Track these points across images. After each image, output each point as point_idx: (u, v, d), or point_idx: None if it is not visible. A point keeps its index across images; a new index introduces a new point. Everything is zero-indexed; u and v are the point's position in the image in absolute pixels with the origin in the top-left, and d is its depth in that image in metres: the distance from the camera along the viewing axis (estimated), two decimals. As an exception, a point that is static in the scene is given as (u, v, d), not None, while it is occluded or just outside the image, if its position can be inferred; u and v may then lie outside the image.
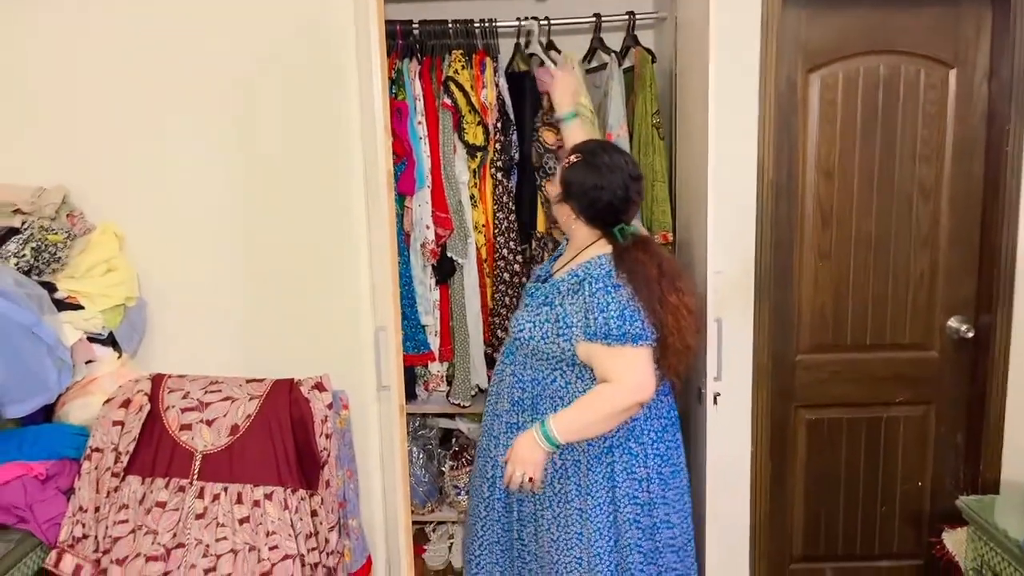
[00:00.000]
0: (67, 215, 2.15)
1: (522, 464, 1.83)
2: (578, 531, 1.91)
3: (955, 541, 2.34)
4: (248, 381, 2.07)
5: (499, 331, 2.68)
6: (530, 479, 1.82)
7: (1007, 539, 1.65)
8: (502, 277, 2.64)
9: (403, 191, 2.53)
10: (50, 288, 2.02)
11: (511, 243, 2.63)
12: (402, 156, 2.51)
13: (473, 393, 2.74)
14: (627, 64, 2.69)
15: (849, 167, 2.47)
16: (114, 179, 2.23)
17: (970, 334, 2.52)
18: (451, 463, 2.84)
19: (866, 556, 2.71)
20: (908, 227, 2.50)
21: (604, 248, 1.93)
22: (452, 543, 2.95)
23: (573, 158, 1.96)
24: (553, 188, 2.03)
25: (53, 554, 1.79)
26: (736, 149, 2.38)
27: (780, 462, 2.64)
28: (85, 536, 1.83)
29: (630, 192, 1.93)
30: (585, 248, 1.97)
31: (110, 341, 2.13)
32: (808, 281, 2.54)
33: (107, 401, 1.98)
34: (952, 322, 2.55)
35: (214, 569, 1.80)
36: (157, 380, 2.05)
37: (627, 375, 1.81)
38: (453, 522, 2.94)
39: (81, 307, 2.04)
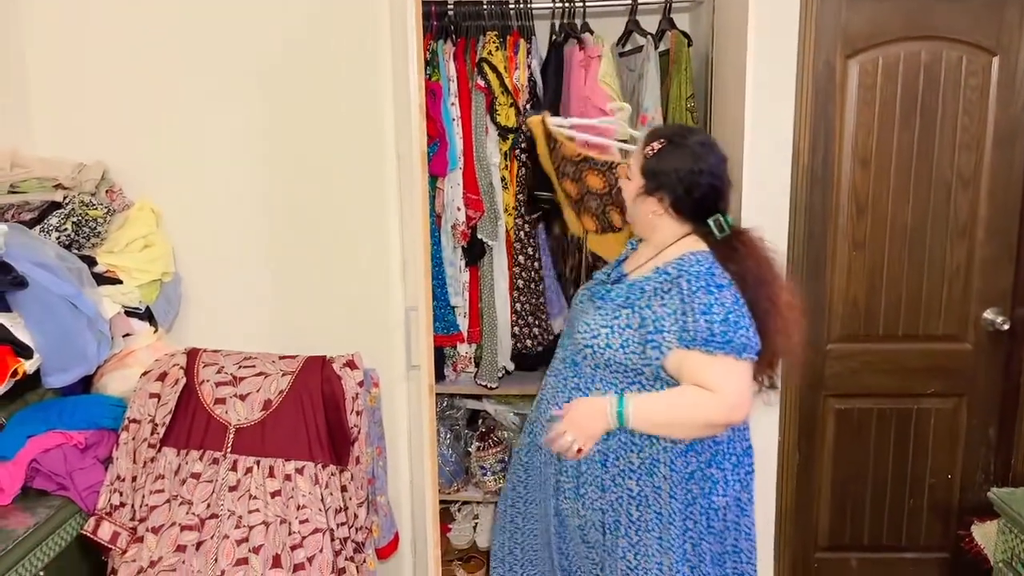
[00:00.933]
0: (106, 191, 2.18)
1: (578, 429, 1.62)
2: (657, 561, 1.70)
3: (984, 534, 2.32)
4: (281, 357, 2.10)
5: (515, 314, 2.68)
6: (578, 449, 1.63)
7: (1040, 533, 1.64)
8: (517, 260, 2.64)
9: (435, 172, 2.54)
10: (90, 262, 2.05)
11: (527, 225, 2.63)
12: (435, 137, 2.52)
13: (500, 375, 2.75)
14: (662, 47, 2.67)
15: (886, 155, 2.44)
16: (151, 157, 2.26)
17: (1006, 326, 2.49)
18: (477, 444, 2.86)
19: (892, 548, 2.70)
20: (945, 217, 2.47)
21: (695, 244, 1.71)
22: (477, 523, 2.98)
23: (656, 144, 1.71)
24: (631, 182, 1.77)
25: (92, 521, 1.83)
26: (771, 135, 2.36)
27: (808, 451, 2.63)
28: (122, 504, 1.87)
29: (726, 174, 1.72)
30: (669, 246, 1.74)
31: (147, 315, 2.17)
32: (841, 270, 2.52)
33: (144, 374, 2.02)
34: (988, 314, 2.52)
35: (246, 540, 1.83)
36: (192, 354, 2.08)
37: (728, 388, 1.58)
38: (478, 502, 2.97)
39: (119, 281, 2.08)
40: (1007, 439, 2.56)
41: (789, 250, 2.42)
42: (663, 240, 1.75)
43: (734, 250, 1.68)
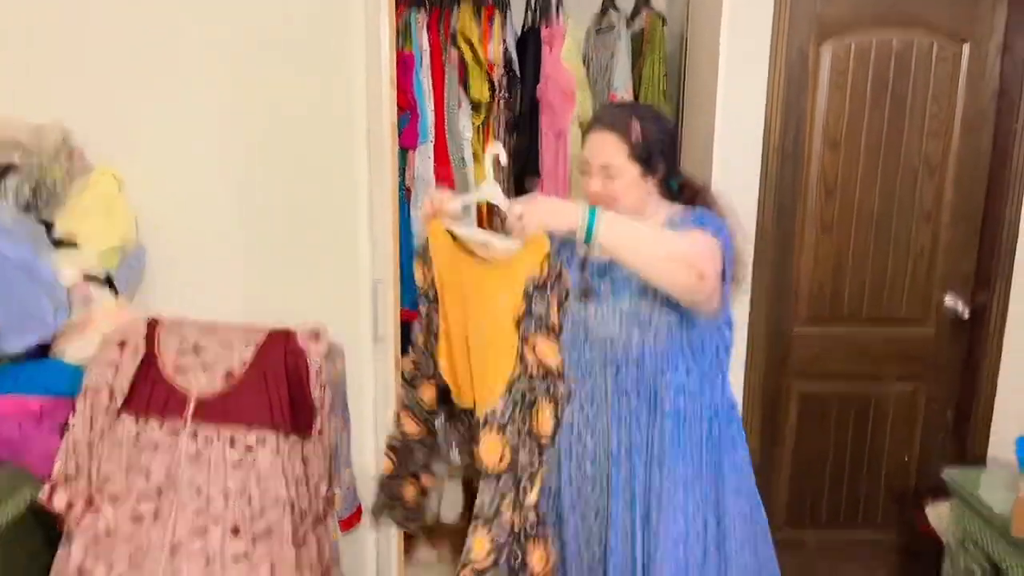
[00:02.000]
0: (67, 153, 2.13)
1: (542, 213, 1.40)
2: (715, 563, 1.68)
3: (937, 514, 2.37)
4: (244, 328, 2.07)
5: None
6: (519, 216, 1.40)
7: (991, 512, 1.67)
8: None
9: (405, 145, 2.52)
10: (48, 227, 2.01)
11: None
12: (405, 109, 2.49)
13: (468, 351, 2.74)
14: (638, 27, 2.66)
15: (856, 139, 2.46)
16: (114, 121, 2.20)
17: (966, 312, 2.53)
18: (445, 419, 2.85)
19: (848, 526, 2.75)
20: (911, 201, 2.50)
21: (670, 208, 1.69)
22: (441, 498, 2.98)
23: (636, 125, 1.61)
24: (624, 175, 1.62)
25: (46, 488, 1.80)
26: (743, 116, 2.36)
27: (771, 432, 2.67)
28: (79, 472, 1.84)
29: None
30: (642, 211, 1.67)
31: (107, 283, 2.13)
32: (808, 253, 2.54)
33: (103, 341, 1.98)
34: (948, 299, 2.56)
35: (206, 510, 1.81)
36: (153, 323, 2.05)
37: (700, 244, 1.52)
38: (443, 477, 2.97)
39: (78, 247, 2.04)
40: (963, 423, 2.61)
41: (757, 232, 2.43)
42: (644, 213, 1.68)
43: (706, 200, 1.71)
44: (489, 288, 1.43)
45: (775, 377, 2.62)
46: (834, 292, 2.56)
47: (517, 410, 1.34)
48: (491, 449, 1.35)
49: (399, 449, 1.73)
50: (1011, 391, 2.52)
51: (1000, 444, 2.53)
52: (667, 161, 1.66)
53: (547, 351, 1.33)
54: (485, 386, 1.40)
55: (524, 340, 1.34)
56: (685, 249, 1.49)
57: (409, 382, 1.71)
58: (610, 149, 1.60)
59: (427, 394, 1.70)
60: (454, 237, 1.55)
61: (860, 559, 2.75)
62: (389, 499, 1.77)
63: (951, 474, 1.85)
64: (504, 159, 1.57)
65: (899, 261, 2.54)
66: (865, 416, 2.65)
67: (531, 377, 1.34)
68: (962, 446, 2.62)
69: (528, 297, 1.34)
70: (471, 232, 1.55)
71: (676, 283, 1.49)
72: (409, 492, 1.76)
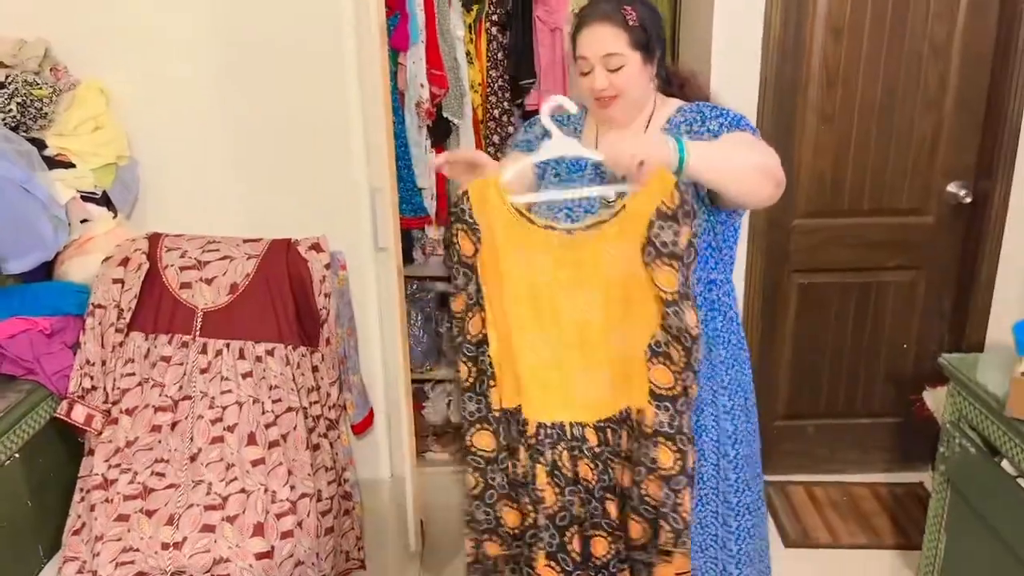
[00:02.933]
0: (50, 69, 2.08)
1: (646, 149, 1.37)
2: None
3: (935, 399, 2.43)
4: (245, 241, 2.08)
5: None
6: (640, 163, 1.36)
7: (985, 393, 1.71)
8: (492, 140, 2.59)
9: (396, 46, 2.45)
10: (39, 145, 1.98)
11: (504, 103, 2.57)
12: (395, 9, 2.41)
13: (470, 256, 2.75)
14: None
15: (859, 24, 2.39)
16: (97, 33, 2.14)
17: (968, 199, 2.52)
18: (448, 325, 2.89)
19: (847, 414, 2.82)
20: (915, 89, 2.45)
21: (671, 101, 1.64)
22: (450, 400, 3.05)
23: (631, 11, 1.54)
24: (629, 65, 1.55)
25: (64, 404, 1.84)
26: (743, 6, 2.29)
27: (771, 324, 2.70)
28: (94, 388, 1.89)
29: None
30: (651, 114, 1.62)
31: (104, 201, 2.11)
32: (808, 144, 2.51)
33: (106, 259, 1.99)
34: (951, 187, 2.54)
35: (221, 419, 1.86)
36: (154, 239, 2.05)
37: (766, 153, 1.50)
38: (451, 381, 3.03)
39: (72, 165, 2.02)
40: (961, 310, 2.64)
41: (758, 122, 2.39)
42: (646, 109, 1.64)
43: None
44: (605, 253, 1.42)
45: (775, 269, 2.63)
46: (834, 183, 2.55)
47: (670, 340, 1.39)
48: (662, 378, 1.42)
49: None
50: (1009, 278, 2.53)
51: (997, 330, 2.57)
52: (662, 46, 1.62)
53: (665, 280, 1.36)
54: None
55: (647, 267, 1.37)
56: (762, 162, 1.48)
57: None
58: (609, 39, 1.55)
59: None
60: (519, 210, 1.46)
61: (858, 444, 2.84)
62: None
63: (948, 358, 1.88)
64: (571, 107, 1.51)
65: (901, 150, 2.51)
66: (865, 306, 2.68)
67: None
68: (960, 333, 2.66)
69: (651, 227, 1.35)
70: (564, 193, 1.54)
71: (762, 197, 1.50)
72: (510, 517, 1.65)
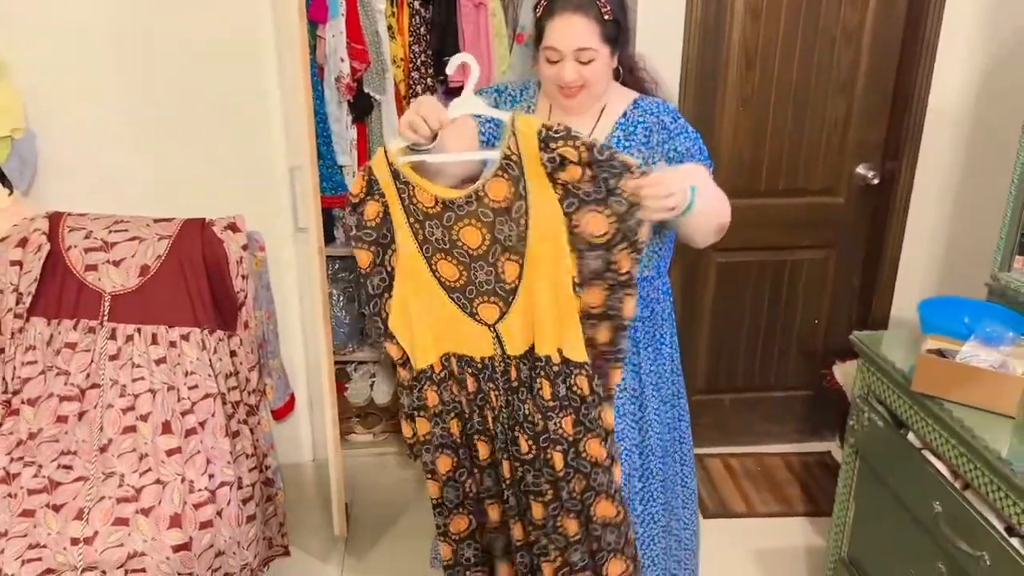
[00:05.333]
0: (-67, 34, 1.93)
1: (682, 184, 1.34)
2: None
3: (844, 373, 2.54)
4: (156, 221, 1.98)
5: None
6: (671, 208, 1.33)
7: (893, 369, 1.79)
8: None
9: (314, 18, 2.36)
10: (-77, 117, 1.84)
11: (427, 79, 2.52)
12: (313, -21, 2.32)
13: (393, 235, 2.71)
14: None
15: (776, 7, 2.44)
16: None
17: (876, 180, 2.62)
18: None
19: (762, 388, 2.92)
20: (828, 71, 2.52)
21: (624, 92, 1.64)
22: (374, 381, 3.01)
23: (607, 2, 1.52)
24: (597, 60, 1.53)
25: (-42, 396, 1.74)
26: (665, -15, 2.30)
27: (689, 302, 2.76)
28: (-9, 378, 1.78)
29: None
30: (605, 105, 1.61)
31: (-1, 177, 1.99)
32: (728, 126, 2.56)
33: (1, 240, 1.87)
34: (860, 168, 2.64)
35: (133, 408, 1.78)
36: (55, 219, 1.93)
37: (721, 195, 1.56)
38: (375, 361, 2.99)
39: (-39, 138, 1.88)
40: (869, 287, 2.76)
41: (680, 105, 2.42)
42: (602, 96, 1.62)
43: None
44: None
45: (694, 249, 2.67)
46: (752, 164, 2.61)
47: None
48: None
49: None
50: (914, 257, 2.66)
51: (902, 308, 2.70)
52: (625, 38, 1.61)
53: (594, 223, 1.33)
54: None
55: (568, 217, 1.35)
56: (725, 222, 1.56)
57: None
58: (584, 33, 1.51)
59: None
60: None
61: (773, 416, 2.95)
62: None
63: (858, 335, 1.96)
64: (474, 65, 1.46)
65: (814, 132, 2.59)
66: (780, 283, 2.77)
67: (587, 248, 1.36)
68: (868, 309, 2.77)
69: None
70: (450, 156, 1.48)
71: (705, 244, 1.60)
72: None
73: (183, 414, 1.81)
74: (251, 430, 1.97)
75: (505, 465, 1.54)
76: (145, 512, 1.68)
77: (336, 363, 2.78)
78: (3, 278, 1.82)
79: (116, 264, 1.88)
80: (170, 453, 1.76)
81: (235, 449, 1.87)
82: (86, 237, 1.91)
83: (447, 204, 1.41)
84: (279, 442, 2.25)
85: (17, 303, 1.82)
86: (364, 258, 1.50)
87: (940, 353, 1.63)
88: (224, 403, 1.87)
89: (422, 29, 2.48)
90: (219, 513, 1.75)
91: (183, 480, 1.73)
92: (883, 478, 1.84)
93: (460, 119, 1.50)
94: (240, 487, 1.84)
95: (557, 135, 1.31)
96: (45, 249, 1.86)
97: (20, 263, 1.83)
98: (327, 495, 2.34)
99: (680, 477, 1.82)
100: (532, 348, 1.46)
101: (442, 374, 1.54)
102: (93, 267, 1.88)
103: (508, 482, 1.55)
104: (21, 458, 1.73)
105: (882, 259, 2.68)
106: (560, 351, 1.42)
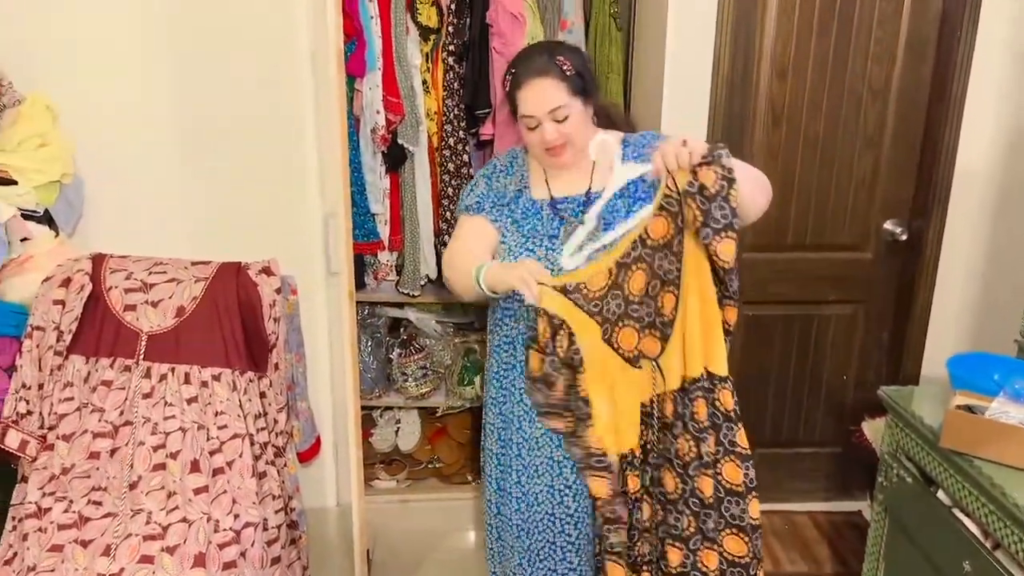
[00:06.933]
0: (-6, 84, 2.03)
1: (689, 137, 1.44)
2: None
3: (873, 429, 2.50)
4: (193, 263, 2.04)
5: (443, 222, 2.66)
6: (683, 142, 1.43)
7: (921, 425, 1.77)
8: (447, 168, 2.60)
9: (353, 72, 2.45)
10: (-21, 161, 1.93)
11: (459, 132, 2.58)
12: (352, 36, 2.42)
13: (422, 283, 2.75)
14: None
15: (803, 65, 2.48)
16: (45, 48, 2.10)
17: (904, 236, 2.62)
18: (399, 351, 2.87)
19: (790, 443, 2.88)
20: (855, 128, 2.54)
21: (609, 134, 1.67)
22: (399, 428, 3.02)
23: (566, 61, 1.60)
24: (573, 117, 1.61)
25: (-3, 429, 1.78)
26: (693, 43, 2.36)
27: (717, 355, 2.75)
28: (29, 412, 1.82)
29: None
30: (588, 145, 1.64)
31: (46, 219, 2.06)
32: (755, 180, 2.58)
33: (46, 280, 1.93)
34: (888, 224, 2.64)
35: (163, 446, 1.81)
36: (98, 260, 2.00)
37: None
38: (400, 407, 3.01)
39: (14, 182, 1.97)
40: (898, 343, 2.73)
41: (706, 160, 2.46)
42: (586, 146, 1.66)
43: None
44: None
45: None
46: (779, 219, 2.62)
47: None
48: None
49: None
50: (943, 313, 2.63)
51: (932, 364, 2.66)
52: (595, 85, 1.69)
53: (726, 250, 1.46)
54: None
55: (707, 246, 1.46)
56: (758, 173, 1.63)
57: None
58: (552, 92, 1.60)
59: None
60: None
61: (801, 473, 2.90)
62: None
63: (886, 391, 1.94)
64: (616, 146, 1.62)
65: (842, 188, 2.60)
66: (807, 338, 2.76)
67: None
68: (897, 365, 2.74)
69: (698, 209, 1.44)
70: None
71: (761, 205, 1.65)
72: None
73: (211, 453, 1.83)
74: (278, 472, 1.99)
75: (646, 508, 1.56)
76: (170, 550, 1.69)
77: (362, 408, 2.80)
78: (46, 316, 1.88)
79: (154, 305, 1.94)
80: (197, 492, 1.78)
81: (261, 490, 1.88)
82: (127, 278, 1.97)
83: (618, 264, 1.50)
84: (304, 485, 2.26)
85: (58, 340, 1.87)
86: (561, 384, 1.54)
87: (969, 409, 1.62)
88: (252, 444, 1.90)
89: (455, 84, 2.55)
90: (243, 554, 1.76)
91: (209, 519, 1.75)
92: (912, 536, 1.81)
93: (477, 223, 1.71)
94: (265, 528, 1.85)
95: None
96: (87, 289, 1.92)
97: (63, 302, 1.89)
98: (349, 540, 2.33)
99: None
100: (683, 380, 1.54)
101: (640, 457, 1.59)
102: (132, 307, 1.93)
103: (648, 525, 1.57)
104: (53, 493, 1.77)
105: (911, 315, 2.66)
106: (706, 368, 1.52)
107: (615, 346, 1.55)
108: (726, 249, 1.45)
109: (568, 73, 1.60)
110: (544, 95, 1.60)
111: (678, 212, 1.46)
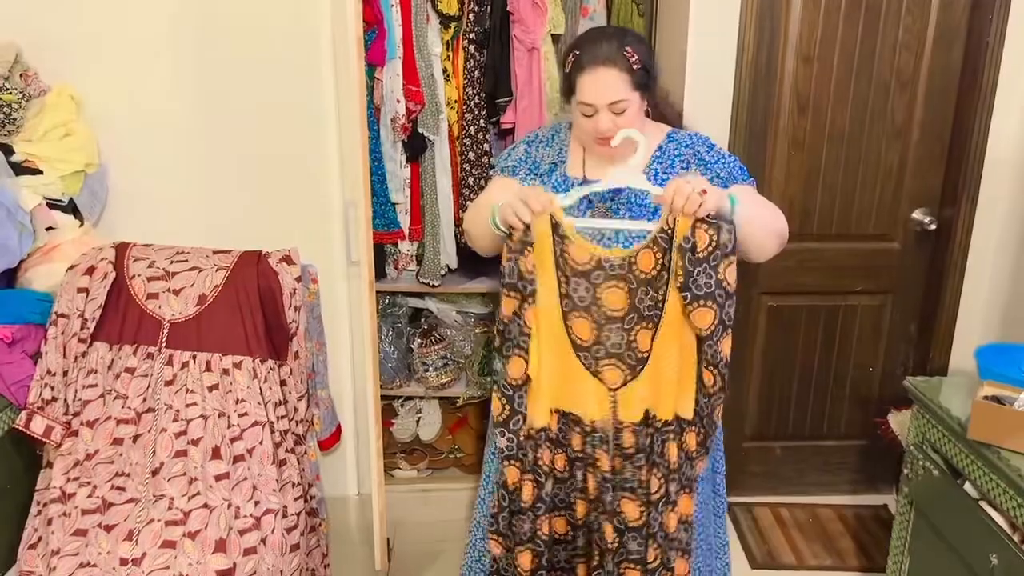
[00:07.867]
0: (20, 74, 2.05)
1: (709, 186, 1.44)
2: None
3: (899, 421, 2.46)
4: (215, 252, 2.05)
5: (463, 212, 2.65)
6: (702, 191, 1.41)
7: (948, 416, 1.74)
8: (467, 156, 2.59)
9: (373, 61, 2.44)
10: (6, 151, 1.96)
11: (480, 120, 2.57)
12: (372, 24, 2.41)
13: (443, 272, 2.75)
14: (609, -65, 2.58)
15: (829, 53, 2.43)
16: (70, 39, 2.12)
17: (933, 226, 2.57)
18: (420, 341, 2.87)
19: (814, 436, 2.85)
20: (883, 117, 2.49)
21: (656, 127, 1.69)
22: (420, 417, 3.03)
23: (634, 53, 1.55)
24: (630, 110, 1.57)
25: (23, 415, 1.80)
26: (717, 30, 2.32)
27: (740, 346, 2.71)
28: (54, 399, 1.85)
29: None
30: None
31: (71, 208, 2.09)
32: (780, 170, 2.55)
33: (70, 268, 1.96)
34: (917, 214, 2.59)
35: (185, 432, 1.83)
36: (121, 249, 2.02)
37: (773, 207, 1.65)
38: (421, 397, 3.01)
39: (39, 172, 1.99)
40: (926, 334, 2.68)
41: (730, 148, 2.43)
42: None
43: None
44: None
45: (745, 291, 2.64)
46: (804, 209, 2.58)
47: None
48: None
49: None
50: (972, 304, 2.58)
51: (961, 355, 2.62)
52: (655, 80, 1.64)
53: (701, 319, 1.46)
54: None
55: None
56: (782, 227, 1.62)
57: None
58: (616, 84, 1.55)
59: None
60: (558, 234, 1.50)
61: (826, 466, 2.86)
62: None
63: (913, 382, 1.91)
64: (640, 139, 1.53)
65: (869, 177, 2.55)
66: (832, 329, 2.72)
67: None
68: (925, 357, 2.70)
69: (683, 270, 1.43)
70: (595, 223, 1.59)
71: (768, 256, 1.65)
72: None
73: (232, 440, 1.85)
74: (298, 459, 2.00)
75: (607, 529, 1.54)
76: (192, 535, 1.71)
77: (383, 398, 2.81)
78: (70, 304, 1.90)
79: (176, 293, 1.95)
80: (218, 478, 1.79)
81: (281, 477, 1.90)
82: (149, 266, 1.99)
83: (602, 262, 1.48)
84: (324, 474, 2.27)
85: (82, 328, 1.89)
86: (509, 306, 1.51)
87: (998, 400, 1.59)
88: (272, 431, 1.91)
89: (476, 72, 2.54)
90: (263, 540, 1.77)
91: (230, 506, 1.77)
92: (939, 530, 1.78)
93: (508, 183, 1.67)
94: (285, 515, 1.86)
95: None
96: (111, 277, 1.94)
97: (87, 290, 1.91)
98: (369, 529, 2.34)
99: (714, 527, 1.80)
100: (647, 414, 1.50)
101: (556, 434, 1.55)
102: (154, 295, 1.95)
103: (610, 546, 1.55)
104: (77, 478, 1.79)
105: (940, 306, 2.61)
106: (676, 413, 1.49)
107: (568, 327, 1.51)
108: (701, 317, 1.43)
109: (635, 67, 1.55)
110: (608, 86, 1.55)
111: (668, 251, 1.44)
